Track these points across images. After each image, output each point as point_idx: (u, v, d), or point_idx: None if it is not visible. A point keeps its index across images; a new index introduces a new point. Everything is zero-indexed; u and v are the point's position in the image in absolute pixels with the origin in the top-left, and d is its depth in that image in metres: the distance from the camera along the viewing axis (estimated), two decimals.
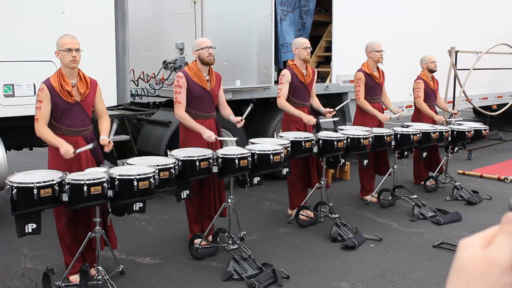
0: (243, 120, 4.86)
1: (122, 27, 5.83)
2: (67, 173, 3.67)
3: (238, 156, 4.36)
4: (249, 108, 5.06)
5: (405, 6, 8.87)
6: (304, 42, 5.59)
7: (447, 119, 7.20)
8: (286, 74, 5.56)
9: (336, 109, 5.71)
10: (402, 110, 6.41)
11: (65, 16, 5.23)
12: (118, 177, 3.68)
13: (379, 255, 4.77)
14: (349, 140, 5.44)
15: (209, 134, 4.53)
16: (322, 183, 5.60)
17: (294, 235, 5.27)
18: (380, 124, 6.31)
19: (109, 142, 4.00)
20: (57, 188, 3.50)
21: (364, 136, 5.50)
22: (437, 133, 6.36)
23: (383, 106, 6.49)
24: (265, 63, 7.02)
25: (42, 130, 3.84)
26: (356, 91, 6.29)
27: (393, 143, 6.00)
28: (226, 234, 4.68)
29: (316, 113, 5.80)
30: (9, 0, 4.94)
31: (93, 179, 3.55)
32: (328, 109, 5.66)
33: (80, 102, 3.96)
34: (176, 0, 6.74)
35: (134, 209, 3.83)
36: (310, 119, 5.41)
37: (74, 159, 3.94)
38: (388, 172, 6.46)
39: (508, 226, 0.59)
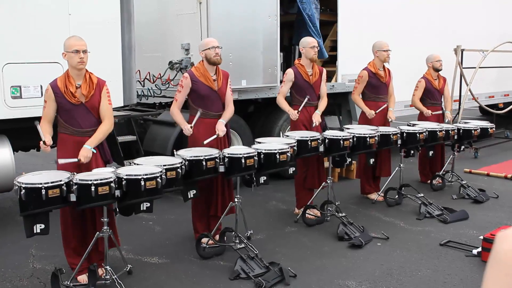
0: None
1: (128, 28, 5.86)
2: (75, 173, 3.69)
3: (245, 155, 4.38)
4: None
5: (411, 5, 8.85)
6: (312, 41, 5.60)
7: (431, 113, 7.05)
8: (289, 73, 5.59)
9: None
10: (392, 118, 6.38)
11: (71, 17, 5.26)
12: (125, 177, 3.70)
13: (386, 253, 4.78)
14: (355, 139, 5.45)
15: (186, 127, 4.68)
16: (328, 182, 5.61)
17: (301, 234, 5.28)
18: (385, 123, 6.31)
19: (87, 156, 3.88)
20: (65, 188, 3.52)
21: (370, 135, 5.51)
22: (443, 132, 6.35)
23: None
24: (271, 63, 7.03)
25: (41, 127, 3.96)
26: (354, 87, 6.42)
27: (399, 141, 6.01)
28: (233, 233, 4.70)
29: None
30: (15, 2, 4.97)
31: (101, 179, 3.57)
32: (317, 119, 5.58)
33: (85, 103, 3.99)
34: (181, 1, 6.75)
35: (142, 209, 3.84)
36: (292, 114, 5.47)
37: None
38: (392, 174, 6.45)
39: None
